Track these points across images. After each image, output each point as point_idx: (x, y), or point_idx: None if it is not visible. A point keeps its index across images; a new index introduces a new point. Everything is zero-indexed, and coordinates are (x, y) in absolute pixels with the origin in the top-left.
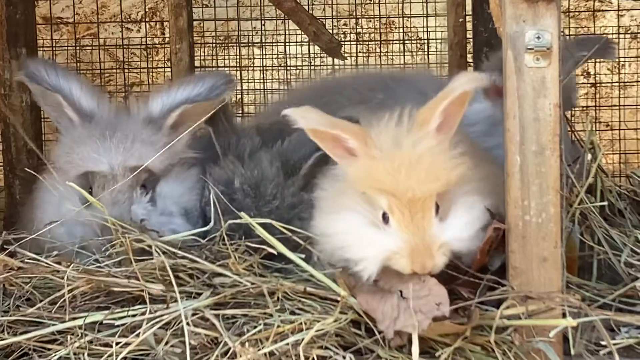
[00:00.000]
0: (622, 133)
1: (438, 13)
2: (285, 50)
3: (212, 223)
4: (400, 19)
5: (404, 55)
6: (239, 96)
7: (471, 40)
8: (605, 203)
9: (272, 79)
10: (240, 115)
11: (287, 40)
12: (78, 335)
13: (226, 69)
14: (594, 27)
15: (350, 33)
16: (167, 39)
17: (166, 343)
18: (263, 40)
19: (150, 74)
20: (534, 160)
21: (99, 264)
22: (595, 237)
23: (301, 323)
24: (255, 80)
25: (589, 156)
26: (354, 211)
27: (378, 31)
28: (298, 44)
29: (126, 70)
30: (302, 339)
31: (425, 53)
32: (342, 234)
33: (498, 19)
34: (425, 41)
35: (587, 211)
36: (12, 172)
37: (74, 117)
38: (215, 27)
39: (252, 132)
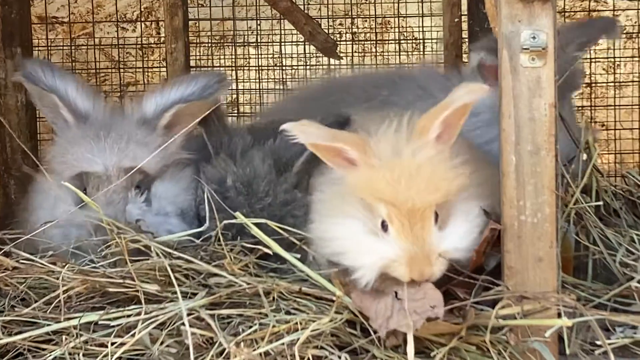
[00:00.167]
0: (618, 133)
1: (434, 13)
2: (280, 50)
3: (207, 224)
4: (396, 19)
5: (400, 55)
6: (234, 96)
7: (467, 40)
8: (601, 203)
9: (267, 79)
10: (235, 115)
11: (282, 40)
12: (73, 336)
13: (222, 68)
14: None
15: (346, 33)
16: (162, 39)
17: (161, 343)
18: (258, 40)
19: (146, 73)
20: (529, 160)
21: (94, 265)
22: (591, 237)
23: (296, 323)
24: (251, 80)
25: (584, 156)
26: (353, 217)
27: (374, 31)
28: (294, 43)
29: (122, 70)
30: (298, 339)
31: (421, 53)
32: (340, 240)
33: (494, 18)
34: (421, 41)
35: (582, 211)
36: (7, 171)
37: (69, 118)
38: (211, 26)
39: (244, 131)
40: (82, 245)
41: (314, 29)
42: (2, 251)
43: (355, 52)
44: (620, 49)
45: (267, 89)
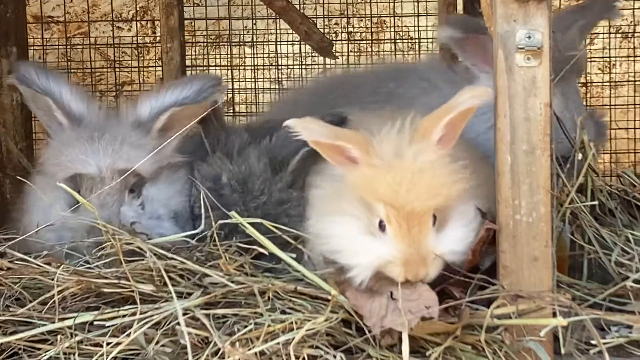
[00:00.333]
0: (613, 132)
1: (429, 12)
2: (276, 50)
3: (202, 226)
4: (392, 19)
5: (396, 54)
6: (230, 95)
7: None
8: (596, 202)
9: (263, 78)
10: (231, 114)
11: (278, 40)
12: (68, 336)
13: (217, 68)
14: None
15: (342, 32)
16: (158, 38)
17: (157, 343)
18: (254, 40)
19: (142, 73)
20: (524, 159)
21: (89, 265)
22: (586, 236)
23: (292, 322)
24: (247, 80)
25: (580, 155)
26: (351, 215)
27: (369, 30)
28: (289, 43)
29: (117, 69)
30: (293, 339)
31: (417, 52)
32: (337, 238)
33: (489, 18)
34: (417, 40)
35: (577, 210)
36: (3, 171)
37: (63, 121)
38: (207, 26)
39: (241, 129)
40: (75, 247)
41: (309, 28)
42: None
43: (351, 51)
44: (615, 48)
45: (263, 89)
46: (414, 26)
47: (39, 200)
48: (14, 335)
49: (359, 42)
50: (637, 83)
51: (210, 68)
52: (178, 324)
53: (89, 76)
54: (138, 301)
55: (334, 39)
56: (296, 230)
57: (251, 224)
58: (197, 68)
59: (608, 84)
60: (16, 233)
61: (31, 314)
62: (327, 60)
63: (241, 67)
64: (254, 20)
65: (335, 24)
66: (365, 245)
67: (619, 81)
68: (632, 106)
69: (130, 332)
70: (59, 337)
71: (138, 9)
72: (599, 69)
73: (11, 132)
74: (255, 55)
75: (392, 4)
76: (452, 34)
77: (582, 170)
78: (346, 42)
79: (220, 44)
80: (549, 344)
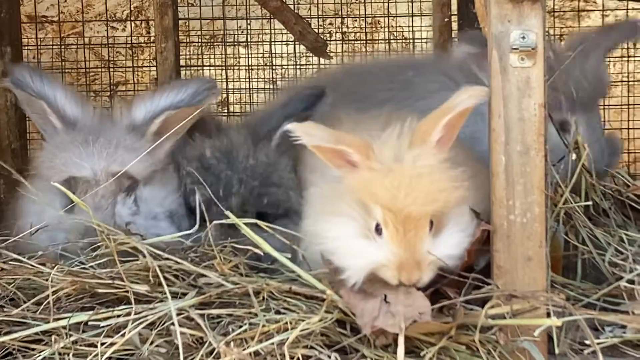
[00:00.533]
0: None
1: (423, 13)
2: (270, 50)
3: (196, 226)
4: (386, 19)
5: (390, 54)
6: (224, 95)
7: (456, 40)
8: (590, 203)
9: (257, 78)
10: (225, 114)
11: (272, 40)
12: (63, 336)
13: (212, 68)
14: (579, 27)
15: (336, 32)
16: (152, 38)
17: (151, 343)
18: (249, 40)
19: (136, 73)
20: (518, 160)
21: (83, 266)
22: (580, 236)
23: (286, 322)
24: (241, 80)
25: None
26: (348, 217)
27: (364, 31)
28: (284, 43)
29: (111, 69)
30: (287, 339)
31: (411, 53)
32: (333, 240)
33: (483, 19)
34: (411, 41)
35: (571, 211)
36: None
37: (58, 124)
38: (201, 26)
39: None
40: (69, 248)
41: (304, 28)
42: None
43: (345, 51)
44: None
45: (257, 89)
46: (408, 26)
47: (33, 202)
48: (8, 335)
49: (353, 42)
50: (630, 83)
51: (205, 68)
52: (173, 324)
53: (83, 76)
54: (133, 301)
55: (328, 39)
56: (290, 195)
57: (244, 223)
58: (192, 68)
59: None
60: (10, 235)
61: (25, 314)
62: (322, 61)
63: (235, 67)
64: (249, 21)
65: (330, 24)
66: (360, 248)
67: (612, 81)
68: (626, 106)
69: (124, 333)
70: (53, 337)
71: (132, 8)
72: None
73: (5, 132)
74: (250, 55)
75: (386, 4)
76: (469, 49)
77: (576, 171)
78: (340, 42)
79: (215, 44)
80: (543, 344)
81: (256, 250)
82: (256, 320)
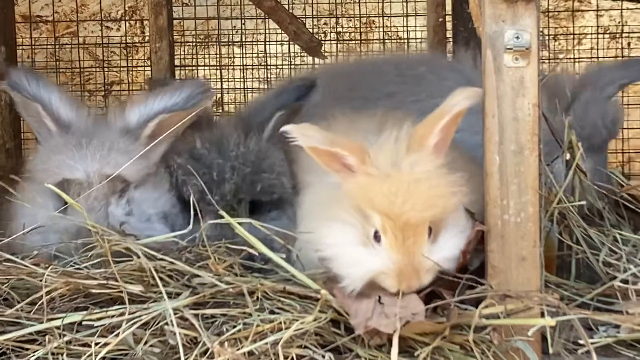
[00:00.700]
0: None
1: (418, 13)
2: (265, 49)
3: (190, 226)
4: (380, 19)
5: (382, 54)
6: (219, 95)
7: (451, 40)
8: (584, 202)
9: (252, 78)
10: (220, 114)
11: (267, 39)
12: (56, 336)
13: (206, 67)
14: (573, 27)
15: (331, 32)
16: (147, 38)
17: (145, 343)
18: (243, 39)
19: (130, 72)
20: (512, 159)
21: (77, 266)
22: (574, 236)
23: (280, 322)
24: (236, 79)
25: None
26: (346, 223)
27: (358, 30)
28: (278, 43)
29: (106, 69)
30: (281, 338)
31: (405, 52)
32: (331, 247)
33: (477, 18)
34: (405, 40)
35: (565, 210)
36: None
37: (52, 127)
38: (196, 26)
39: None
40: (62, 249)
41: (298, 28)
42: None
43: (340, 51)
44: (604, 49)
45: (252, 88)
46: (403, 26)
47: (26, 204)
48: (2, 335)
49: (347, 42)
50: None
51: (199, 68)
52: (167, 324)
53: (78, 76)
54: (127, 301)
55: (323, 39)
56: (283, 183)
57: (242, 224)
58: (186, 68)
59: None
60: (3, 236)
61: (19, 315)
62: (316, 60)
63: (230, 67)
64: (243, 20)
65: (324, 24)
66: (358, 256)
67: None
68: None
69: (118, 333)
70: (47, 337)
71: (127, 8)
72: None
73: (0, 132)
74: (244, 55)
75: (380, 4)
76: None
77: (570, 171)
78: (335, 42)
79: (209, 43)
80: (537, 343)
81: (251, 251)
82: (250, 320)
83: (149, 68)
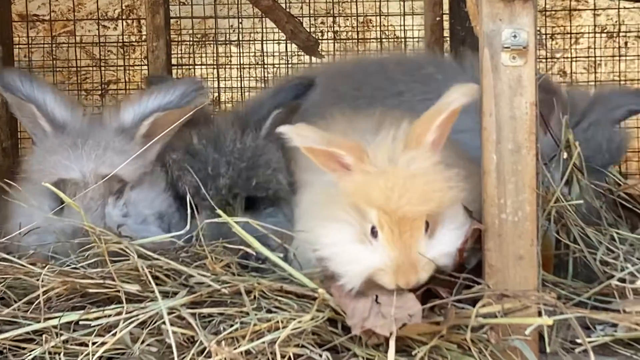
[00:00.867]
0: None
1: (415, 12)
2: (262, 48)
3: (187, 227)
4: (378, 18)
5: (381, 53)
6: (216, 94)
7: (448, 39)
8: (581, 201)
9: (249, 77)
10: (217, 112)
11: (264, 38)
12: (53, 335)
13: (203, 66)
14: (570, 26)
15: (328, 31)
16: (144, 37)
17: (142, 342)
18: (240, 38)
19: (127, 71)
20: (510, 158)
21: (74, 266)
22: (571, 235)
23: (278, 321)
24: (233, 78)
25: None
26: (344, 222)
27: (355, 30)
28: (275, 42)
29: (103, 68)
30: (279, 337)
31: (407, 52)
32: (329, 246)
33: (475, 17)
34: (403, 40)
35: (563, 209)
36: None
37: (47, 128)
38: (193, 24)
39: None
40: (58, 249)
41: (295, 27)
42: None
43: (337, 50)
44: (601, 48)
45: (249, 87)
46: (400, 25)
47: (22, 205)
48: None
49: (344, 41)
50: (622, 82)
51: (196, 67)
52: (164, 323)
53: (75, 75)
54: (124, 301)
55: (320, 38)
56: (278, 180)
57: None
58: (183, 67)
59: (593, 83)
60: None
61: (16, 314)
62: (313, 60)
63: (227, 66)
64: (240, 19)
65: (321, 23)
66: (356, 254)
67: (604, 80)
68: None
69: (115, 332)
70: (44, 336)
71: (124, 7)
72: (584, 68)
73: None
74: (241, 54)
75: (377, 3)
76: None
77: (568, 170)
78: (332, 41)
79: (206, 42)
80: (535, 342)
81: (248, 250)
82: (247, 319)
83: (146, 67)
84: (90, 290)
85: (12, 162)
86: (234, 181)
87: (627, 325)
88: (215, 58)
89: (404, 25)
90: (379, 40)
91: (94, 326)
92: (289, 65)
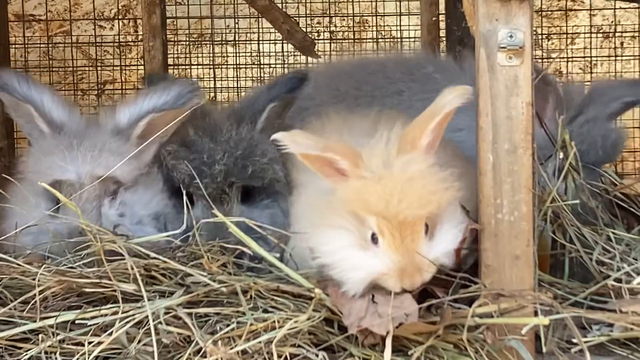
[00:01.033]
0: None
1: (411, 12)
2: (258, 49)
3: (183, 226)
4: (374, 18)
5: (378, 54)
6: (212, 94)
7: (444, 39)
8: (577, 201)
9: (245, 77)
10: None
11: (260, 39)
12: (50, 335)
13: (199, 67)
14: (566, 26)
15: (324, 31)
16: (140, 37)
17: (138, 342)
18: (236, 38)
19: (124, 71)
20: (506, 158)
21: (71, 265)
22: (567, 235)
23: (274, 321)
24: (229, 78)
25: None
26: (342, 229)
27: (352, 30)
28: (272, 42)
29: (99, 68)
30: (275, 337)
31: (406, 52)
32: (329, 254)
33: (471, 17)
34: (399, 40)
35: (559, 209)
36: None
37: (44, 128)
38: (189, 24)
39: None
40: (54, 250)
41: (292, 27)
42: None
43: (333, 50)
44: (597, 48)
45: (245, 87)
46: (396, 25)
47: (18, 205)
48: None
49: (341, 41)
50: None
51: (193, 67)
52: (160, 322)
53: (71, 75)
54: (120, 300)
55: (316, 38)
56: (274, 170)
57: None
58: (179, 67)
59: (589, 83)
60: None
61: (12, 313)
62: (310, 60)
63: (223, 66)
64: (236, 19)
65: (318, 23)
66: (358, 261)
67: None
68: None
69: (112, 331)
70: (40, 336)
71: (120, 7)
72: (580, 68)
73: None
74: (238, 54)
75: (374, 3)
76: None
77: (564, 170)
78: (328, 41)
79: (203, 42)
80: (531, 342)
81: (245, 250)
82: (244, 318)
83: (142, 67)
84: (87, 290)
85: (9, 163)
86: (229, 169)
87: (623, 325)
88: (211, 58)
89: (401, 25)
90: (375, 40)
91: (90, 326)
92: (286, 66)
